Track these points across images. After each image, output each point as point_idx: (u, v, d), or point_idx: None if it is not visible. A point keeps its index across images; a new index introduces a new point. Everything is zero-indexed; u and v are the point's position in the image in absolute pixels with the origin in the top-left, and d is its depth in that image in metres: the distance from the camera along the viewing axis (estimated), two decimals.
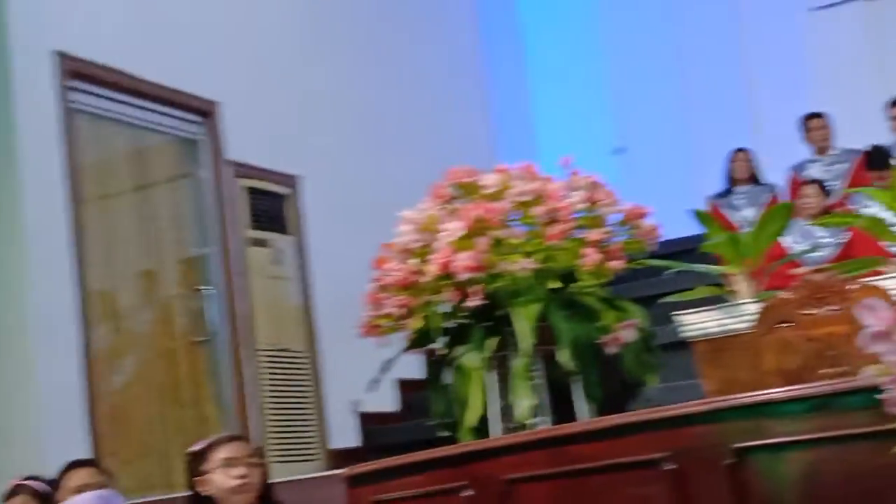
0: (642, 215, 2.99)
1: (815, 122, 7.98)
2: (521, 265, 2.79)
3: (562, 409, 2.83)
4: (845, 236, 6.36)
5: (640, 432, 2.32)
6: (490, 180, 2.93)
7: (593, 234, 2.87)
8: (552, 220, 2.85)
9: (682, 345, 2.87)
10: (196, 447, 3.76)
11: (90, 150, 6.27)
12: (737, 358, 2.65)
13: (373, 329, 3.01)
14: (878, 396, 1.84)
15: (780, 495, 2.16)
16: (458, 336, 2.95)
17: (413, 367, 3.43)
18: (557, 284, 2.86)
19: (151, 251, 6.60)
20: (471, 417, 2.85)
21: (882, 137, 7.55)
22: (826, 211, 6.79)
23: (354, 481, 2.89)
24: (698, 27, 9.39)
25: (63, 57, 6.03)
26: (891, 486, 2.04)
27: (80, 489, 3.95)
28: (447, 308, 2.90)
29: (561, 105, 9.71)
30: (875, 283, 2.53)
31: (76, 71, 6.09)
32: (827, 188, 7.09)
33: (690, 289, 2.99)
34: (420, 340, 2.96)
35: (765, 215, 2.98)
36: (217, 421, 6.29)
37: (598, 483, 2.38)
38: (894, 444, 1.93)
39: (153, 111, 6.52)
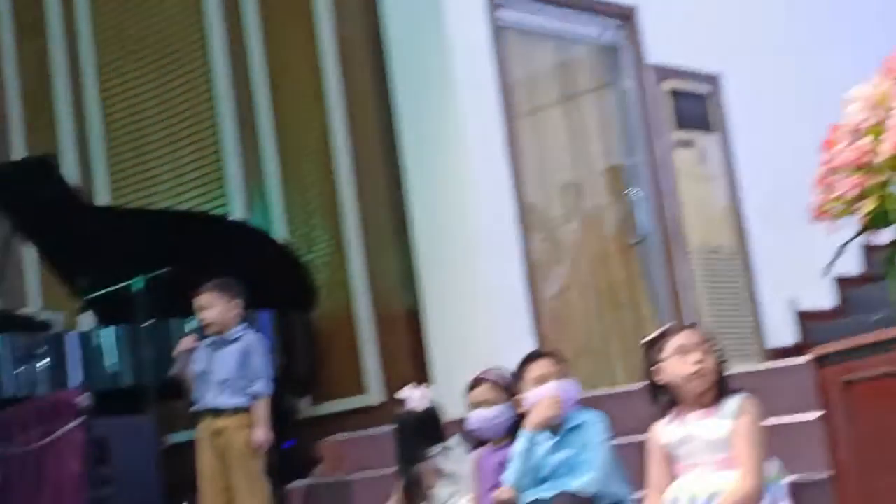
0: None
1: None
2: None
3: None
4: None
5: None
6: None
7: None
8: None
9: None
10: (650, 337, 3.88)
11: (518, 65, 6.52)
12: None
13: (823, 213, 2.96)
14: None
15: None
16: None
17: (850, 262, 3.35)
18: None
19: (579, 162, 6.79)
20: None
21: None
22: None
23: (823, 362, 2.85)
24: None
25: None
26: None
27: (540, 379, 4.18)
28: None
29: None
30: None
31: None
32: None
33: None
34: (875, 222, 2.89)
35: None
36: (653, 321, 6.41)
37: None
38: None
39: (574, 21, 6.66)
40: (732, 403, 3.74)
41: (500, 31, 6.37)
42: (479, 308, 6.43)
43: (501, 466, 4.33)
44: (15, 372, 6.49)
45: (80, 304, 7.36)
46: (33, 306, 8.24)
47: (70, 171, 7.99)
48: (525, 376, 4.22)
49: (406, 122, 6.73)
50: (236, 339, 5.66)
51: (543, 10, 6.58)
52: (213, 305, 5.62)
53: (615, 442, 4.23)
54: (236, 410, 5.55)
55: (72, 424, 5.70)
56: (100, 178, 8.36)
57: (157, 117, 8.23)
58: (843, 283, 6.60)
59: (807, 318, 7.05)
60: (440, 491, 4.75)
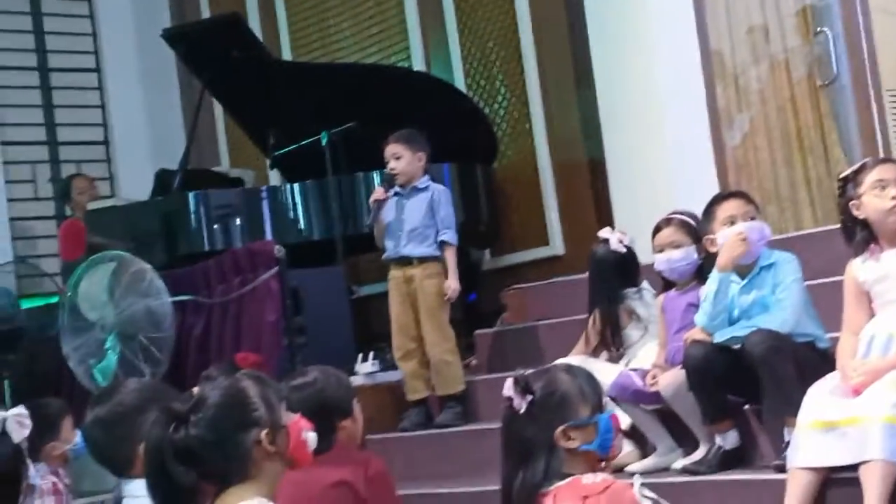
0: None
1: None
2: None
3: None
4: None
5: None
6: None
7: None
8: None
9: None
10: (847, 171, 3.78)
11: None
12: None
13: None
14: None
15: None
16: None
17: None
18: None
19: (767, 4, 6.56)
20: None
21: None
22: None
23: None
24: None
25: None
26: None
27: (730, 220, 4.12)
28: None
29: None
30: None
31: None
32: None
33: None
34: None
35: None
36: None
37: None
38: None
39: None
40: None
41: None
42: (662, 157, 6.36)
43: (690, 308, 4.34)
44: (211, 226, 6.75)
45: (269, 161, 7.57)
46: (224, 164, 8.53)
47: (255, 28, 8.13)
48: (714, 216, 4.16)
49: None
50: (423, 190, 5.74)
51: None
52: (401, 155, 5.70)
53: (808, 283, 4.16)
54: (424, 259, 5.66)
55: (268, 274, 5.91)
56: (283, 36, 8.51)
57: None
58: None
59: None
60: (631, 332, 4.80)
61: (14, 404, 6.22)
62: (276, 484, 2.72)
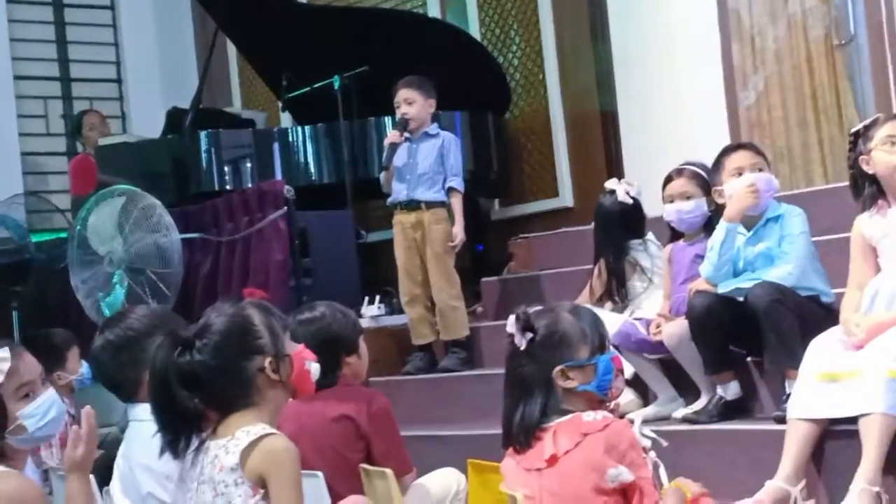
0: None
1: None
2: None
3: None
4: None
5: None
6: None
7: None
8: None
9: None
10: (858, 126, 3.78)
11: None
12: None
13: None
14: None
15: None
16: None
17: None
18: None
19: None
20: None
21: None
22: None
23: None
24: None
25: None
26: None
27: (738, 171, 4.12)
28: None
29: None
30: None
31: None
32: None
33: None
34: None
35: None
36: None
37: None
38: None
39: None
40: None
41: None
42: (675, 113, 6.36)
43: (697, 259, 4.35)
44: (221, 166, 6.77)
45: (280, 104, 7.57)
46: (236, 105, 8.53)
47: None
48: (723, 167, 4.17)
49: None
50: (434, 136, 5.75)
51: None
52: (413, 101, 5.70)
53: (814, 238, 4.17)
54: (432, 204, 5.68)
55: (276, 214, 5.95)
56: None
57: None
58: None
59: None
60: (636, 283, 4.81)
61: (22, 334, 6.30)
62: (278, 412, 2.76)
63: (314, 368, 2.77)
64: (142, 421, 3.15)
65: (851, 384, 3.49)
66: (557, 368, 2.74)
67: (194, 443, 2.68)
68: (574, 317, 2.82)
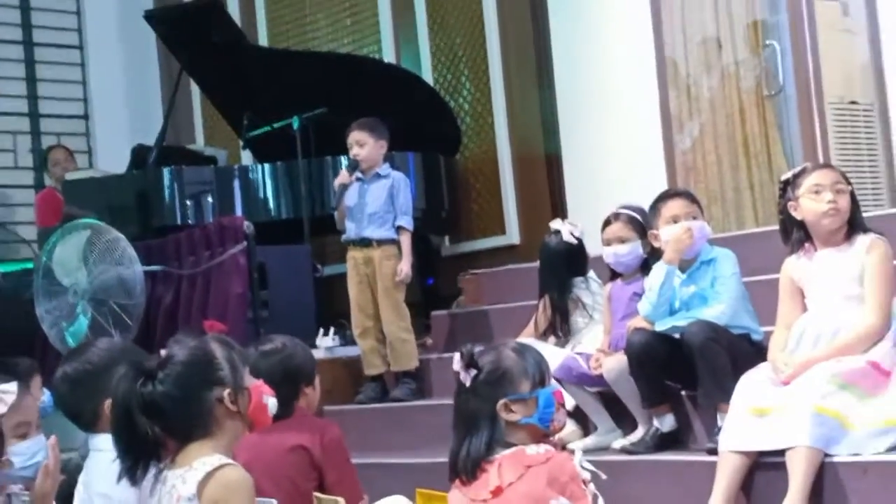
0: None
1: None
2: None
3: None
4: None
5: None
6: None
7: None
8: None
9: None
10: (788, 174, 3.83)
11: None
12: None
13: None
14: None
15: None
16: None
17: None
18: None
19: (721, 17, 6.61)
20: None
21: None
22: None
23: None
24: None
25: None
26: None
27: (674, 218, 4.15)
28: None
29: None
30: None
31: None
32: None
33: None
34: None
35: None
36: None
37: None
38: None
39: None
40: (863, 241, 3.70)
41: None
42: (615, 156, 6.41)
43: (634, 297, 4.38)
44: (184, 201, 6.73)
45: (242, 142, 7.55)
46: (199, 143, 8.49)
47: (234, 15, 8.09)
48: (660, 213, 4.19)
49: None
50: (385, 176, 5.76)
51: None
52: (364, 143, 5.70)
53: (745, 279, 4.21)
54: (382, 241, 5.68)
55: (236, 248, 5.92)
56: (261, 23, 8.48)
57: None
58: None
59: None
60: (577, 319, 4.83)
61: None
62: (234, 442, 2.74)
63: (271, 403, 2.75)
64: (101, 451, 3.12)
65: (779, 418, 3.52)
66: (501, 402, 2.74)
67: (152, 471, 2.65)
68: (517, 354, 2.83)
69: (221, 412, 2.65)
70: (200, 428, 2.65)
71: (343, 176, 5.72)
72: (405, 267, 5.64)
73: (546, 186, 7.03)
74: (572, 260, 4.88)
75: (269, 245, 6.24)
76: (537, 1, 6.92)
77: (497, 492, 2.71)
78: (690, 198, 4.26)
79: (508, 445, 2.73)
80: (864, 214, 3.88)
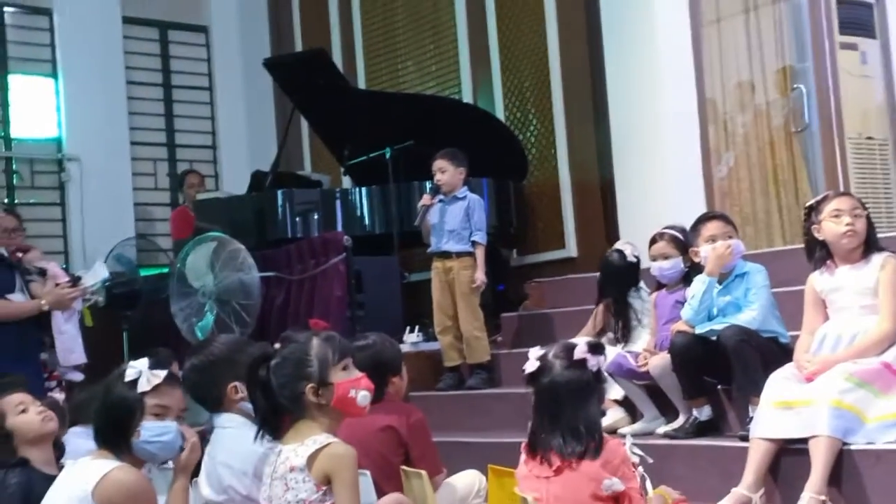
0: None
1: None
2: None
3: None
4: None
5: None
6: None
7: None
8: None
9: None
10: (811, 201, 3.76)
11: None
12: None
13: None
14: None
15: None
16: None
17: None
18: None
19: (754, 63, 6.52)
20: None
21: None
22: None
23: None
24: None
25: None
26: None
27: (712, 238, 4.10)
28: None
29: None
30: None
31: None
32: None
33: None
34: None
35: None
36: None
37: None
38: None
39: None
40: (877, 259, 3.63)
41: None
42: (661, 183, 6.34)
43: (677, 305, 4.33)
44: (294, 218, 6.80)
45: (342, 168, 7.62)
46: (307, 169, 8.59)
47: (338, 62, 8.18)
48: (699, 233, 4.15)
49: (608, 26, 6.61)
50: (462, 198, 5.77)
51: None
52: (445, 170, 5.72)
53: (774, 290, 4.14)
54: (460, 254, 5.69)
55: (337, 259, 5.96)
56: (360, 68, 8.56)
57: (406, 22, 8.33)
58: None
59: None
60: (632, 322, 4.79)
61: (131, 352, 6.33)
62: (336, 424, 2.77)
63: (360, 396, 2.75)
64: (224, 428, 3.17)
65: (802, 411, 3.46)
66: None
67: (271, 444, 2.70)
68: None
69: (311, 401, 2.70)
70: (298, 411, 2.70)
71: (425, 198, 5.75)
72: (480, 275, 5.64)
73: (600, 207, 6.98)
74: (630, 274, 4.85)
75: (364, 256, 6.27)
76: (595, 49, 6.88)
77: (559, 471, 2.70)
78: (726, 220, 4.21)
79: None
80: (879, 235, 3.79)
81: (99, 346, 5.90)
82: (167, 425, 2.81)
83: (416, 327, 6.20)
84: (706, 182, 6.33)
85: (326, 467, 2.58)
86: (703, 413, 4.11)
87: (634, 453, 2.74)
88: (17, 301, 4.66)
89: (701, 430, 4.09)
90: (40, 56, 8.25)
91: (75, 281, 4.94)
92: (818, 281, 3.75)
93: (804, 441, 3.41)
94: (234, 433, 3.13)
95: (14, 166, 8.10)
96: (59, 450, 3.33)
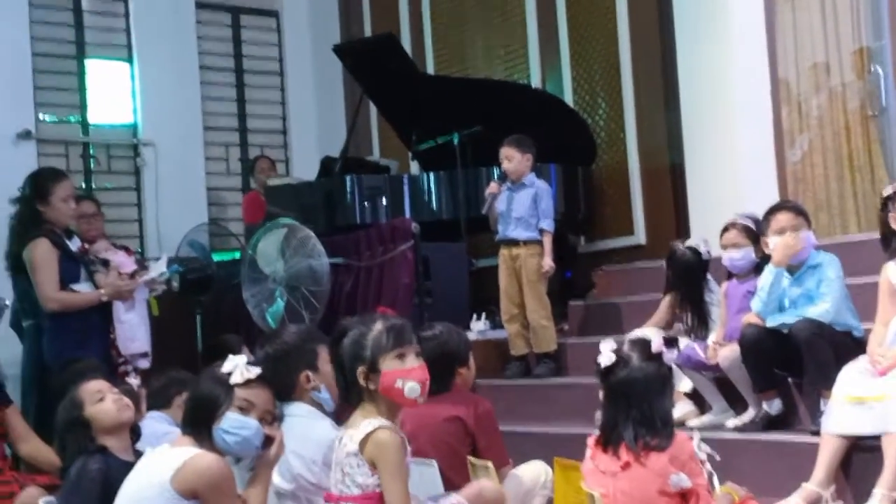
0: None
1: None
2: None
3: None
4: None
5: None
6: None
7: None
8: None
9: None
10: (889, 190, 3.68)
11: None
12: None
13: None
14: None
15: None
16: None
17: None
18: None
19: (830, 44, 6.37)
20: None
21: None
22: None
23: None
24: None
25: None
26: None
27: (781, 230, 4.04)
28: None
29: None
30: None
31: None
32: None
33: None
34: None
35: None
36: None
37: None
38: None
39: None
40: None
41: None
42: (732, 167, 6.23)
43: (747, 295, 4.28)
44: (362, 203, 6.84)
45: (410, 154, 7.64)
46: (375, 154, 8.62)
47: (406, 47, 8.19)
48: (769, 224, 4.09)
49: (678, 5, 6.51)
50: (529, 186, 5.75)
51: None
52: (512, 157, 5.71)
53: (848, 281, 4.07)
54: (528, 242, 5.68)
55: (405, 246, 5.99)
56: (428, 53, 8.55)
57: (474, 6, 8.30)
58: None
59: None
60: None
61: (204, 337, 6.45)
62: (394, 412, 2.79)
63: (408, 387, 2.75)
64: (294, 416, 3.20)
65: (875, 406, 3.41)
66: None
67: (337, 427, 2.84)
68: None
69: (363, 385, 2.74)
70: (355, 395, 2.76)
71: (493, 186, 5.75)
72: (548, 261, 5.63)
73: (670, 193, 6.89)
74: (702, 268, 4.79)
75: (431, 242, 6.29)
76: (665, 29, 6.78)
77: (626, 466, 2.70)
78: (797, 210, 4.14)
79: None
80: None
81: (172, 331, 6.03)
82: (249, 421, 2.81)
83: (483, 315, 6.21)
84: (779, 167, 6.21)
85: (372, 453, 2.63)
86: (774, 406, 4.06)
87: (702, 450, 2.72)
88: (81, 291, 4.79)
89: (771, 423, 4.06)
90: (116, 41, 8.40)
91: (136, 272, 5.07)
92: (894, 271, 3.67)
93: (877, 437, 3.35)
94: (304, 422, 3.17)
95: (91, 151, 8.27)
96: (135, 434, 3.40)
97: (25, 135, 7.64)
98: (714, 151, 6.33)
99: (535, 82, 7.76)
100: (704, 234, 4.95)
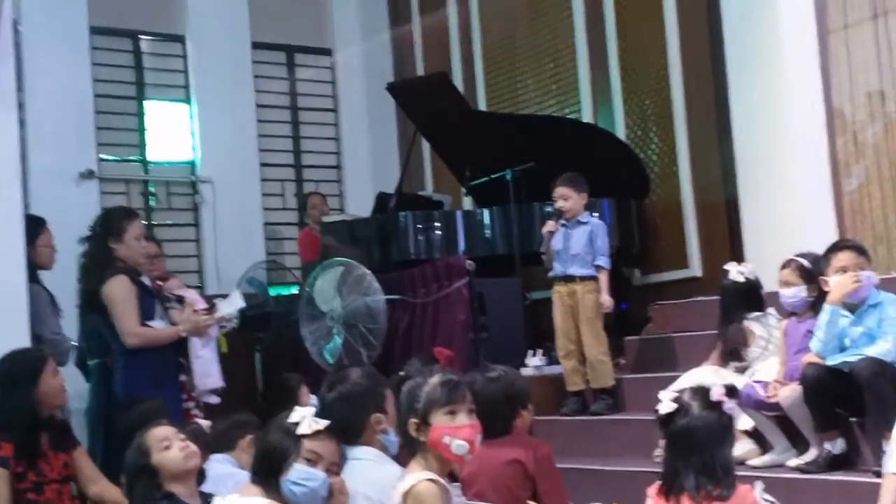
0: None
1: None
2: None
3: None
4: None
5: None
6: None
7: None
8: None
9: None
10: None
11: None
12: None
13: None
14: None
15: None
16: None
17: None
18: None
19: (885, 72, 6.32)
20: None
21: None
22: None
23: None
24: None
25: None
26: None
27: (843, 269, 4.01)
28: None
29: None
30: None
31: None
32: None
33: None
34: None
35: None
36: None
37: None
38: None
39: None
40: None
41: None
42: (788, 199, 6.20)
43: (808, 334, 4.24)
44: (417, 239, 6.89)
45: (464, 189, 7.68)
46: (429, 189, 8.67)
47: (458, 84, 8.26)
48: (830, 263, 4.06)
49: (730, 37, 6.51)
50: (584, 223, 5.77)
51: None
52: (568, 197, 5.74)
53: None
54: (584, 278, 5.69)
55: (460, 282, 6.01)
56: (480, 90, 8.61)
57: (525, 42, 8.35)
58: None
59: None
60: (752, 349, 4.71)
61: (263, 373, 6.50)
62: (442, 465, 2.82)
63: (456, 444, 2.79)
64: (362, 460, 3.21)
65: None
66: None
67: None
68: None
69: (414, 436, 2.79)
70: (408, 443, 2.82)
71: (549, 225, 5.78)
72: (606, 299, 5.64)
73: (725, 227, 6.86)
74: (745, 297, 4.76)
75: (486, 277, 6.31)
76: (717, 62, 6.78)
77: None
78: (859, 250, 4.11)
79: None
80: None
81: (233, 367, 6.09)
82: (316, 473, 2.83)
83: (540, 350, 6.21)
84: (836, 198, 6.15)
85: None
86: (836, 446, 4.02)
87: (766, 499, 2.70)
88: (158, 328, 4.82)
89: (834, 463, 4.01)
90: (175, 82, 8.57)
91: (211, 308, 5.10)
92: None
93: None
94: (374, 465, 3.17)
95: (151, 188, 8.44)
96: (201, 477, 3.45)
97: (88, 174, 7.80)
98: (769, 184, 6.30)
99: (587, 116, 7.78)
100: (760, 266, 4.92)
